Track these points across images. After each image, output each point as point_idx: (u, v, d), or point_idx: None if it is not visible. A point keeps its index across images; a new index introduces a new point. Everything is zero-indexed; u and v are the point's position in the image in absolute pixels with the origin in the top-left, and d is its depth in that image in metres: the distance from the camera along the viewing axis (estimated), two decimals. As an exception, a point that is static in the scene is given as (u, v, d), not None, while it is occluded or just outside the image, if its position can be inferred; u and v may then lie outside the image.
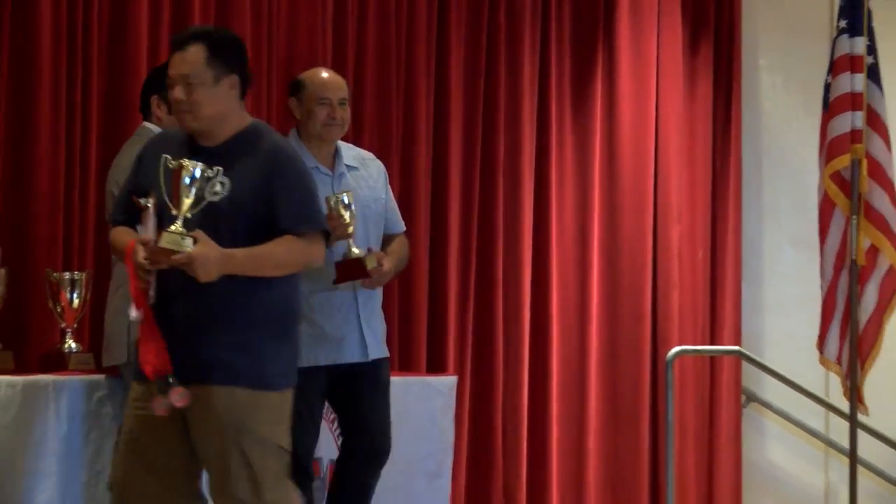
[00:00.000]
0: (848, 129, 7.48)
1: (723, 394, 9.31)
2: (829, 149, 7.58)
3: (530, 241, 8.85)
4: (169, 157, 4.79)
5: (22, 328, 6.76)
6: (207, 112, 4.85)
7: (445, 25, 8.75)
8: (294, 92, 6.34)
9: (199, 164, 4.73)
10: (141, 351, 5.12)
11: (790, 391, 9.14)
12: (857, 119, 7.46)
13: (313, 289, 6.01)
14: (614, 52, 9.28)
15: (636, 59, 9.32)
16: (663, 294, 9.21)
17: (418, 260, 8.12)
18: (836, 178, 7.52)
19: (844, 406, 7.90)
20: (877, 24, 7.69)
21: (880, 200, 7.51)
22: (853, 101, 7.51)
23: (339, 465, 6.50)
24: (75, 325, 6.45)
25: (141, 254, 4.74)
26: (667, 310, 9.15)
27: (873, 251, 7.52)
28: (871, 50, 7.56)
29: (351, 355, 6.20)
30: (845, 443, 8.03)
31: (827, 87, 7.65)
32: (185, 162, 4.71)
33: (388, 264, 6.16)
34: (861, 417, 7.69)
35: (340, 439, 6.70)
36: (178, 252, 4.67)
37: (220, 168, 4.75)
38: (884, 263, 7.49)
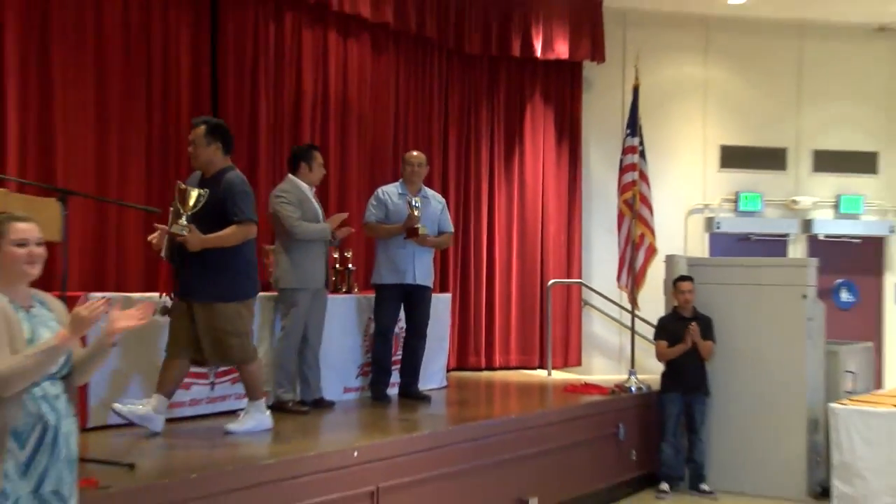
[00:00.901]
0: (630, 180, 9.21)
1: (573, 301, 11.27)
2: (622, 189, 9.28)
3: (485, 234, 10.87)
4: (180, 182, 5.74)
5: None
6: (202, 159, 5.93)
7: (448, 116, 10.51)
8: (402, 163, 8.06)
9: (196, 188, 5.63)
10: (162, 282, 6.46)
11: (603, 300, 11.14)
12: (634, 175, 9.19)
13: (397, 245, 7.65)
14: (524, 142, 11.16)
15: (533, 145, 11.19)
16: (545, 257, 11.09)
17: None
18: (625, 203, 9.22)
19: (627, 306, 9.61)
20: (645, 130, 9.35)
21: (645, 212, 9.20)
22: (632, 167, 9.22)
23: (405, 340, 8.02)
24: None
25: (156, 235, 5.80)
26: (547, 263, 11.09)
27: (641, 237, 9.17)
28: (641, 142, 9.22)
29: (409, 279, 7.70)
30: (627, 323, 9.74)
31: (621, 161, 9.39)
32: (184, 185, 5.66)
33: (430, 239, 7.75)
34: (636, 312, 9.35)
35: (405, 327, 8.03)
36: (179, 235, 5.62)
37: (208, 190, 5.65)
38: (647, 242, 9.24)
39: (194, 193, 5.55)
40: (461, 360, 10.42)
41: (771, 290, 8.44)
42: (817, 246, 11.76)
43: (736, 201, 11.80)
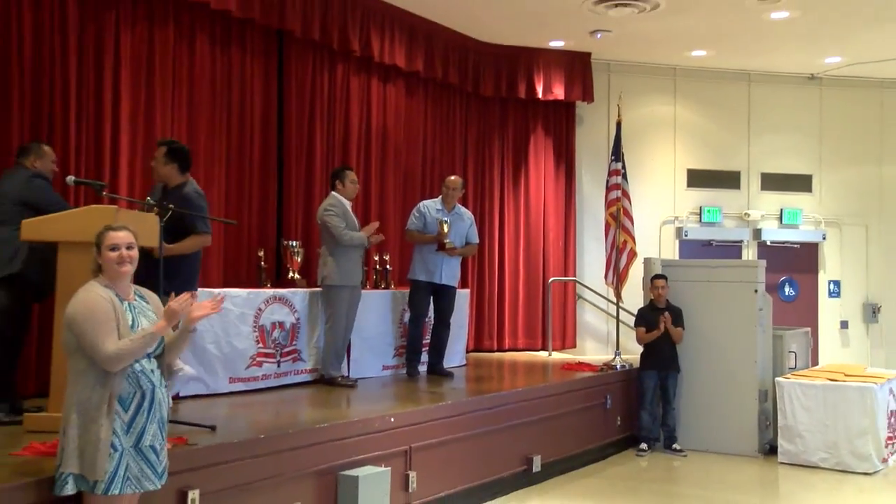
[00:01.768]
0: (615, 197, 9.22)
1: (569, 295, 11.04)
2: (608, 204, 9.25)
3: (497, 241, 10.77)
4: (149, 198, 5.30)
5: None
6: (161, 174, 5.55)
7: (467, 146, 10.49)
8: (443, 184, 8.01)
9: (166, 204, 4.89)
10: None
11: (594, 294, 11.03)
12: (618, 193, 9.19)
13: (430, 251, 7.69)
14: (528, 167, 11.02)
15: (536, 169, 11.03)
16: (546, 259, 10.93)
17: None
18: (611, 215, 9.20)
19: (613, 299, 9.51)
20: (626, 156, 9.43)
21: (627, 223, 9.17)
22: (616, 186, 9.22)
23: (433, 328, 8.02)
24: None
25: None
26: (547, 264, 10.92)
27: (624, 243, 9.14)
28: (623, 166, 9.22)
29: (437, 279, 7.77)
30: (613, 313, 9.66)
31: (607, 181, 9.38)
32: (152, 202, 5.13)
33: (457, 250, 7.77)
34: (620, 304, 9.30)
35: (433, 317, 7.97)
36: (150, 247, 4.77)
37: (173, 205, 4.94)
38: (629, 247, 9.13)
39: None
40: (478, 343, 10.36)
41: (728, 286, 8.43)
42: (765, 250, 11.68)
43: (700, 214, 11.70)
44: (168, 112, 7.03)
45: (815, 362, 9.97)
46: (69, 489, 3.27)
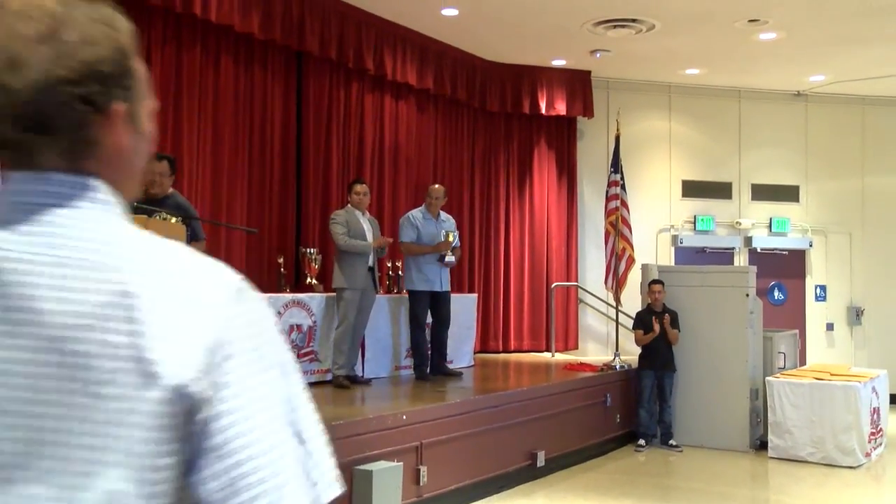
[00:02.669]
0: (614, 206, 9.21)
1: (571, 299, 10.94)
2: (608, 213, 9.28)
3: (503, 248, 10.69)
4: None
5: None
6: (165, 187, 5.30)
7: (474, 159, 10.44)
8: (426, 193, 7.80)
9: (159, 209, 4.85)
10: None
11: (595, 299, 10.96)
12: (617, 203, 9.18)
13: (427, 260, 7.47)
14: (533, 178, 10.93)
15: (540, 181, 10.95)
16: (550, 265, 10.86)
17: (470, 257, 9.87)
18: (611, 224, 9.20)
19: (613, 303, 9.54)
20: (625, 168, 9.45)
21: (625, 231, 9.17)
22: (615, 196, 9.21)
23: (433, 331, 7.74)
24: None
25: None
26: (551, 270, 10.84)
27: (623, 250, 9.13)
28: (622, 178, 9.22)
29: (437, 287, 7.56)
30: (613, 316, 9.65)
31: (607, 192, 9.37)
32: (166, 214, 4.91)
33: (453, 263, 7.58)
34: (619, 308, 9.30)
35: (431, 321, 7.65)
36: None
37: (178, 215, 4.95)
38: (627, 254, 9.17)
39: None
40: (484, 344, 10.26)
41: (721, 291, 8.41)
42: (755, 257, 11.60)
43: (694, 223, 11.60)
44: (195, 128, 7.02)
45: (802, 362, 9.94)
46: None
